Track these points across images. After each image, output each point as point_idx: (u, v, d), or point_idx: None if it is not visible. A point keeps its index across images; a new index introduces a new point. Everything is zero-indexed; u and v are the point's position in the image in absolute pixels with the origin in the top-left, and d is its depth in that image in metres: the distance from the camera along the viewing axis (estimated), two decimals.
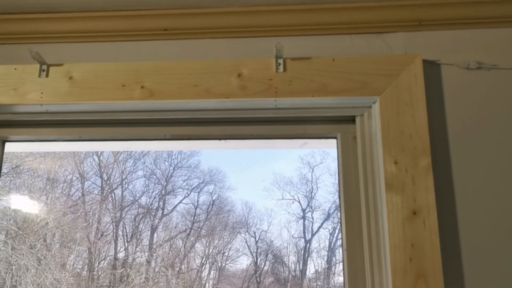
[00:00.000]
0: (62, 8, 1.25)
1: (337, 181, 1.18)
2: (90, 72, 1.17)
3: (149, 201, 4.46)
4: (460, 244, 1.04)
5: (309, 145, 1.27)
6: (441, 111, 1.13)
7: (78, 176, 4.30)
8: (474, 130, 1.11)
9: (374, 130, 1.12)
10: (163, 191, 4.56)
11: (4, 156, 1.27)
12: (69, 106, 1.17)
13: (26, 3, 1.24)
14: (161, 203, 4.50)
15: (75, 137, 1.25)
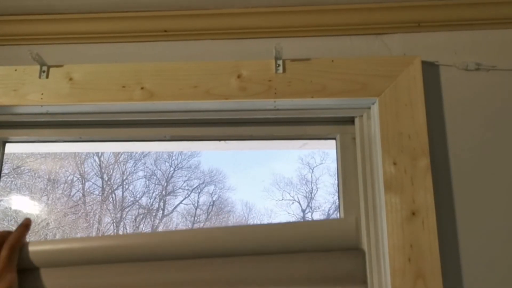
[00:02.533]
0: (62, 10, 1.26)
1: (336, 181, 1.19)
2: (90, 73, 1.18)
3: (150, 201, 4.47)
4: (459, 245, 1.04)
5: (309, 146, 1.27)
6: (440, 112, 1.13)
7: (78, 176, 4.31)
8: (473, 131, 1.12)
9: (373, 131, 1.12)
10: (163, 192, 4.56)
11: (5, 157, 1.28)
12: (69, 107, 1.18)
13: (26, 4, 1.24)
14: (161, 203, 4.50)
15: (75, 138, 1.25)
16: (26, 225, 0.70)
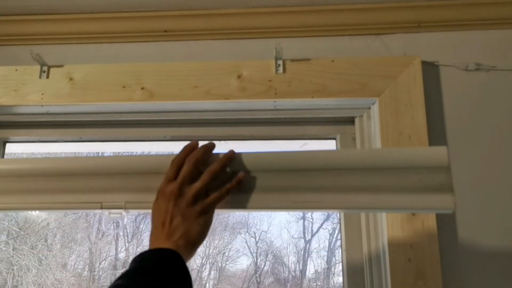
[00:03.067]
0: (63, 10, 1.26)
1: None
2: (90, 73, 1.18)
3: None
4: (459, 245, 1.04)
5: (309, 146, 1.27)
6: (440, 112, 1.13)
7: None
8: (473, 131, 1.12)
9: (373, 131, 1.12)
10: None
11: (5, 157, 1.28)
12: (69, 107, 1.18)
13: (27, 4, 1.24)
14: None
15: (75, 138, 1.25)
16: (237, 181, 0.77)
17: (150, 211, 0.76)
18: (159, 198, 0.74)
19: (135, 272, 0.65)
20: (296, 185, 0.78)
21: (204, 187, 0.74)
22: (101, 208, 0.81)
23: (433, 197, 0.75)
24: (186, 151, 0.78)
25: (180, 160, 0.76)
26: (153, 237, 0.72)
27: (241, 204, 0.78)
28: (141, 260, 0.67)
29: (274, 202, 0.78)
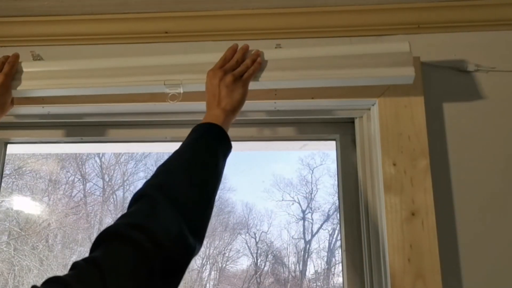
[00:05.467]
0: (64, 11, 1.26)
1: (336, 182, 1.19)
2: None
3: None
4: (458, 245, 1.05)
5: (309, 147, 1.28)
6: (440, 113, 1.14)
7: (80, 177, 4.31)
8: (472, 131, 1.12)
9: (373, 132, 1.12)
10: None
11: (7, 158, 1.28)
12: (70, 108, 1.18)
13: (28, 6, 1.25)
14: None
15: (76, 139, 1.26)
16: (258, 63, 1.02)
17: (199, 85, 1.01)
18: (210, 77, 0.98)
19: (191, 142, 0.86)
20: (303, 65, 1.03)
21: (241, 73, 0.99)
22: (164, 84, 1.05)
23: (399, 68, 1.01)
24: (231, 51, 1.03)
25: (226, 57, 1.02)
26: (208, 105, 0.95)
27: (263, 78, 1.03)
28: (197, 130, 0.88)
29: (287, 75, 1.03)
